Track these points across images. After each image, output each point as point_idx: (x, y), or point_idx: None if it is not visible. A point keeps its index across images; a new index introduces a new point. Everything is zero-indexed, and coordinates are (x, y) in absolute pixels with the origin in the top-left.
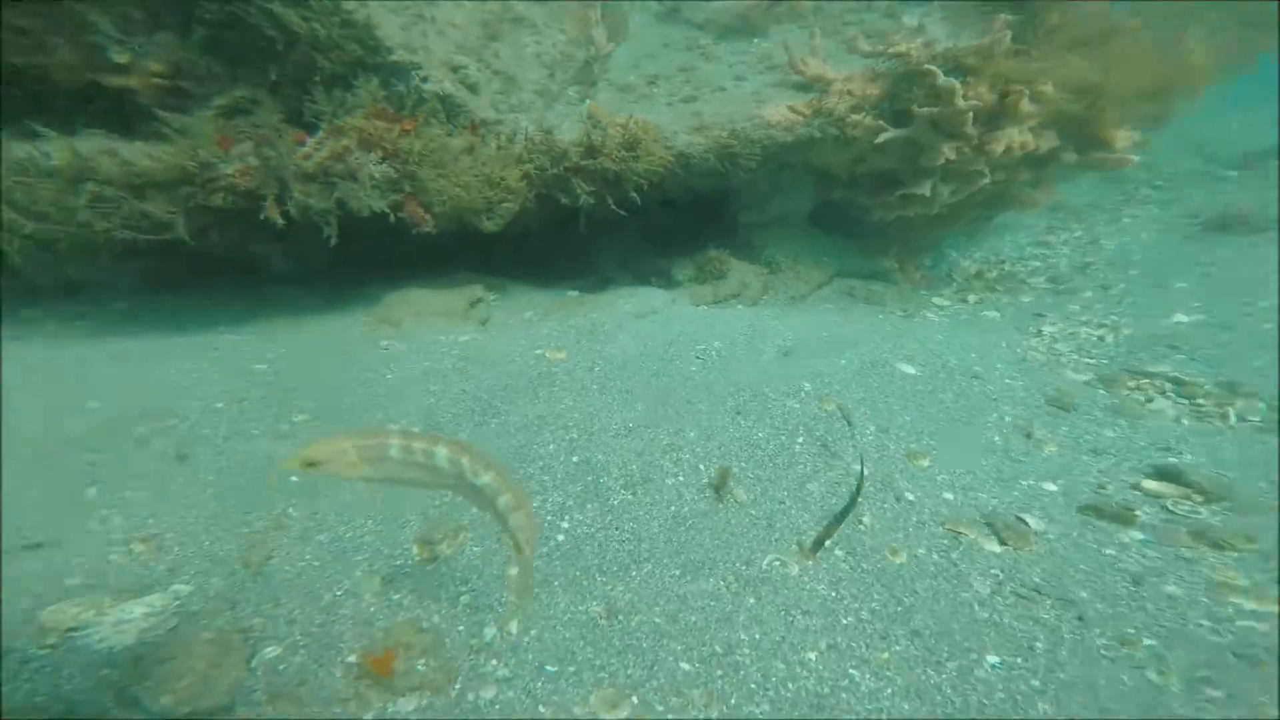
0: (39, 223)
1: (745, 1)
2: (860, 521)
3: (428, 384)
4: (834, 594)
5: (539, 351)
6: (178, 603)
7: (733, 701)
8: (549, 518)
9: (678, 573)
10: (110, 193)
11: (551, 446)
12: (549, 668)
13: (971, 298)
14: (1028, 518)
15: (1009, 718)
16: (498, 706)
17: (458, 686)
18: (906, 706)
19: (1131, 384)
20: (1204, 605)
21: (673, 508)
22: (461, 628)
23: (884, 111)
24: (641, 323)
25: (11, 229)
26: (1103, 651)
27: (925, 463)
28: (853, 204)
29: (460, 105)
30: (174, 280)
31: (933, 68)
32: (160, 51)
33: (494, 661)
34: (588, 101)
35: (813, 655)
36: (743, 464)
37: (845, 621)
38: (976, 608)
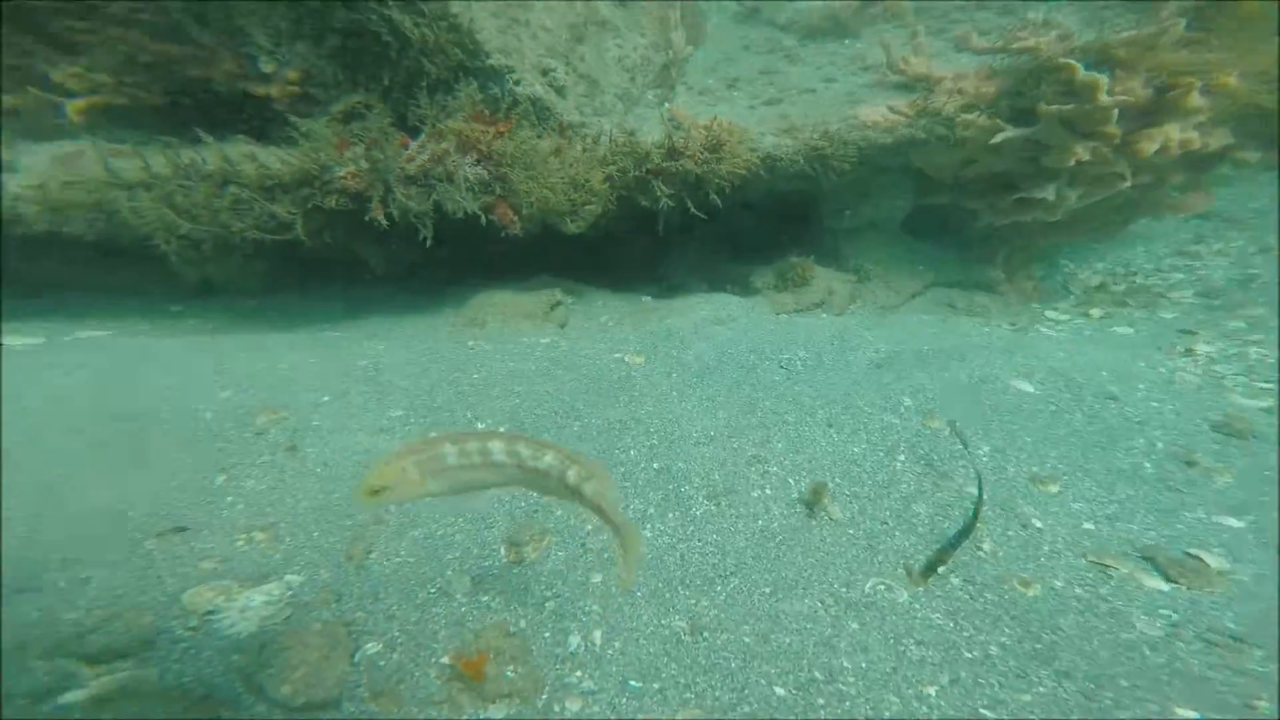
0: (192, 223)
1: (836, 2)
2: (979, 548)
3: (512, 385)
4: (952, 625)
5: (618, 355)
6: (290, 593)
7: None
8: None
9: (768, 590)
10: (247, 195)
11: (633, 452)
12: (633, 683)
13: (1095, 311)
14: (1204, 555)
15: None
16: None
17: (544, 697)
18: None
19: None
20: None
21: (760, 521)
22: (547, 634)
23: (1001, 110)
24: (719, 329)
25: (171, 229)
26: None
27: (1054, 488)
28: (957, 209)
29: (548, 108)
30: (286, 281)
31: (1070, 61)
32: (297, 60)
33: (579, 673)
34: (666, 105)
35: (933, 690)
36: (837, 480)
37: (970, 655)
38: (1148, 652)
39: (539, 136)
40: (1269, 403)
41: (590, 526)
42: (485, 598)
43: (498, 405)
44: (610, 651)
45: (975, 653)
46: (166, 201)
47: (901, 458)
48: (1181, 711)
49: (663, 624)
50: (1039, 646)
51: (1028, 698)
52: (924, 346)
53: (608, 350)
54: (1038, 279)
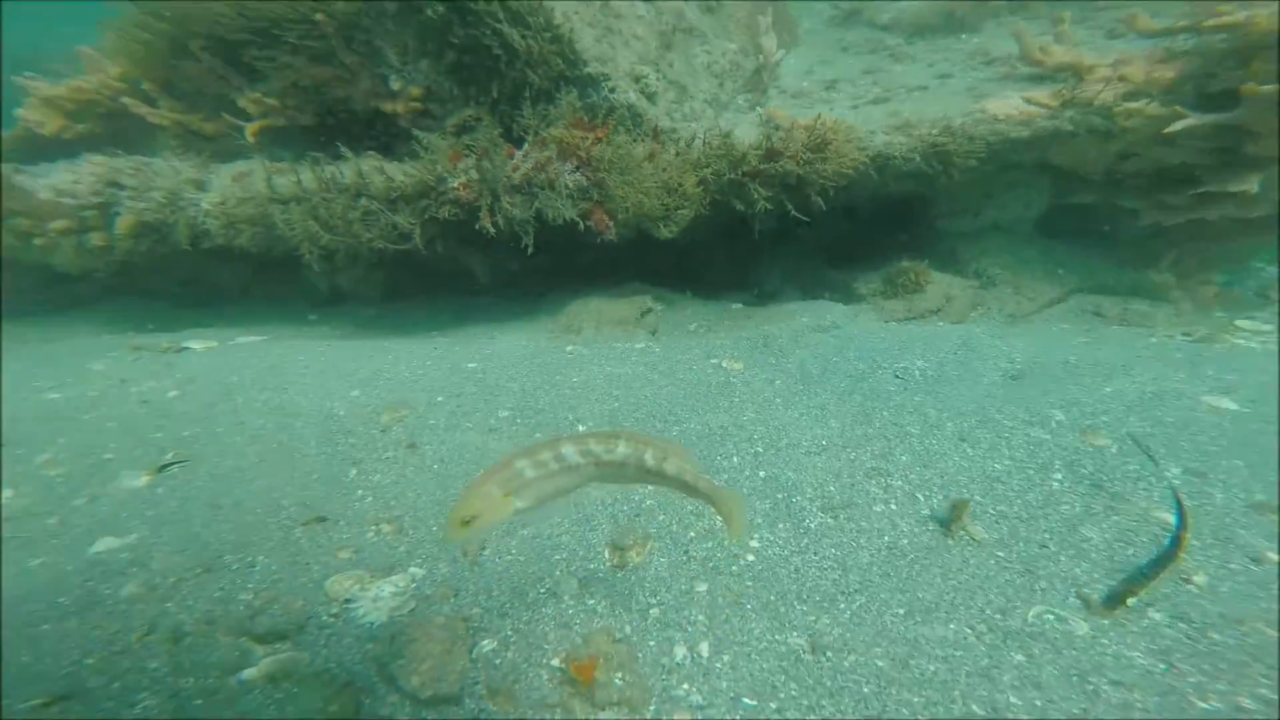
0: (330, 233)
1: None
2: (1188, 581)
3: (610, 389)
4: (1162, 666)
5: (715, 361)
6: (414, 585)
7: None
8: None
9: (901, 612)
10: (375, 206)
11: (735, 459)
12: (747, 700)
13: None
14: None
15: None
16: None
17: (652, 708)
18: None
19: None
20: None
21: (885, 538)
22: (652, 643)
23: (1183, 97)
24: (822, 337)
25: (314, 239)
26: None
27: None
28: (1109, 208)
29: (640, 114)
30: (400, 290)
31: None
32: (419, 77)
33: (686, 685)
34: (759, 109)
35: None
36: (978, 498)
37: (1205, 705)
38: None
39: (633, 142)
40: None
41: (693, 533)
42: (591, 601)
43: (597, 409)
44: (719, 665)
45: (1214, 703)
46: (311, 214)
47: (1058, 476)
48: None
49: (777, 639)
50: None
51: None
52: (1070, 357)
53: (703, 356)
54: (1218, 284)
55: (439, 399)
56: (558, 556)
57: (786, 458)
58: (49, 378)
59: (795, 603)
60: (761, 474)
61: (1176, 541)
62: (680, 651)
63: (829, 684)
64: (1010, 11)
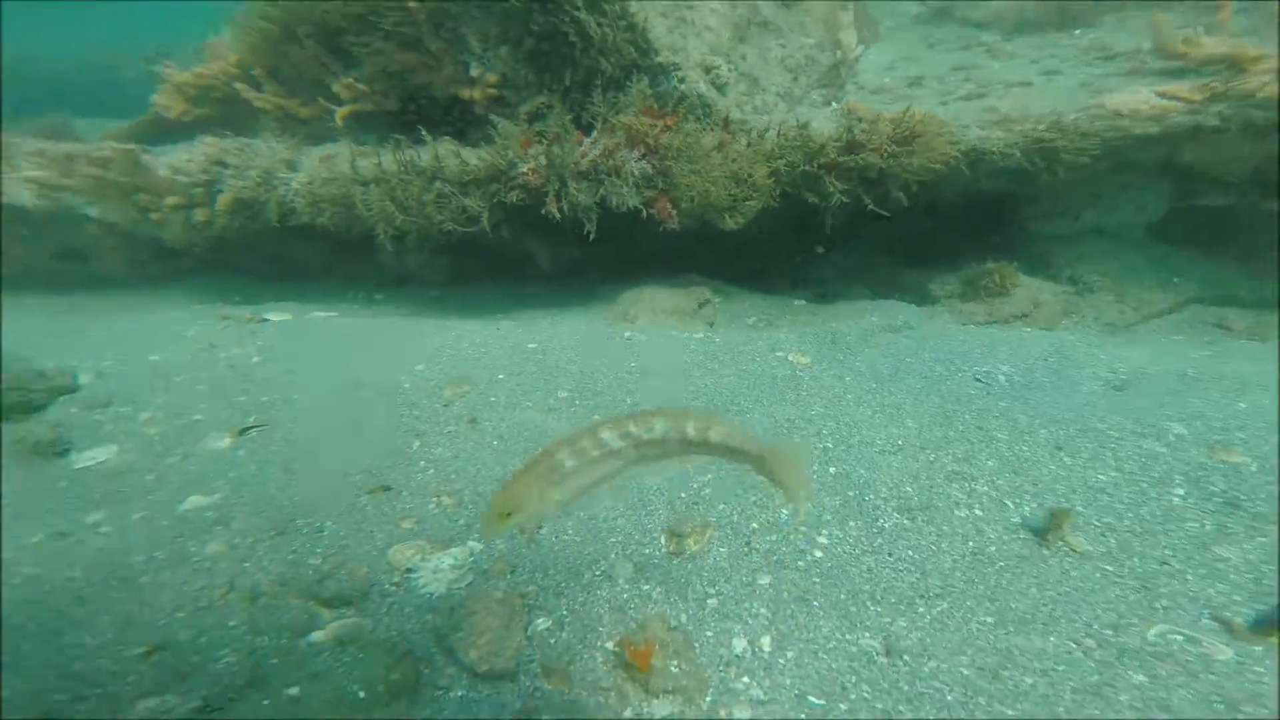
0: (404, 214)
1: None
2: None
3: (670, 375)
4: None
5: (780, 354)
6: (472, 559)
7: None
8: (802, 529)
9: (990, 620)
10: (448, 190)
11: None
12: (813, 699)
13: None
14: None
15: None
16: None
17: (709, 699)
18: None
19: None
20: None
21: (970, 543)
22: (709, 633)
23: None
24: (893, 336)
25: (389, 220)
26: None
27: None
28: (1247, 211)
29: (709, 104)
30: (464, 275)
31: None
32: (498, 64)
33: (745, 679)
34: (834, 104)
35: None
36: (1080, 508)
37: None
38: None
39: (703, 131)
40: None
41: (756, 525)
42: (646, 586)
43: (656, 395)
44: (782, 661)
45: None
46: (389, 194)
47: (1179, 491)
48: None
49: (847, 639)
50: None
51: None
52: (1188, 370)
53: (767, 349)
54: None
55: (500, 376)
56: (613, 539)
57: (858, 455)
58: (153, 342)
59: (868, 603)
60: (831, 470)
61: None
62: (740, 644)
63: (906, 689)
64: (1138, 7)
